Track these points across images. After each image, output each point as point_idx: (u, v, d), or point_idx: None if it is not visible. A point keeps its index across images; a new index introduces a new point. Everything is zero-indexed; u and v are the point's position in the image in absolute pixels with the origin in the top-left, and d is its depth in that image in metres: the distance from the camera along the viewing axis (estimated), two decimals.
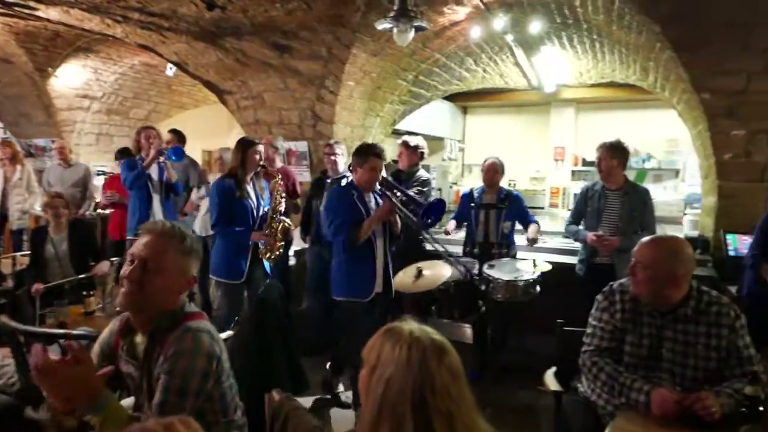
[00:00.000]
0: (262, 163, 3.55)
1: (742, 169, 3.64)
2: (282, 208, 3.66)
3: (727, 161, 3.67)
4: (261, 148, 3.56)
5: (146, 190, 4.19)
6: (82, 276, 3.58)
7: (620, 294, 1.95)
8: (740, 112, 3.55)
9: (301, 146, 5.06)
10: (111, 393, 1.38)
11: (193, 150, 6.11)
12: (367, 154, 3.00)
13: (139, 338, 1.55)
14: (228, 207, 3.41)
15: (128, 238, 4.21)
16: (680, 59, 3.55)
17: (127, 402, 1.64)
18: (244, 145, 3.47)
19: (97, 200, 5.90)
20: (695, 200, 6.40)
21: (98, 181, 6.25)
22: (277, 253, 3.60)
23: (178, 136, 4.90)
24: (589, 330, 1.99)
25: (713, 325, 1.81)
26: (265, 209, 3.58)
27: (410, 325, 1.07)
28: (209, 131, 7.77)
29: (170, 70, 5.68)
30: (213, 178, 4.80)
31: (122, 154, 5.08)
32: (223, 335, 2.75)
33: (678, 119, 4.63)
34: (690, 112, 4.10)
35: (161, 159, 4.20)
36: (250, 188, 3.54)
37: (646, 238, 1.93)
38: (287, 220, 3.66)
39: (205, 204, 4.68)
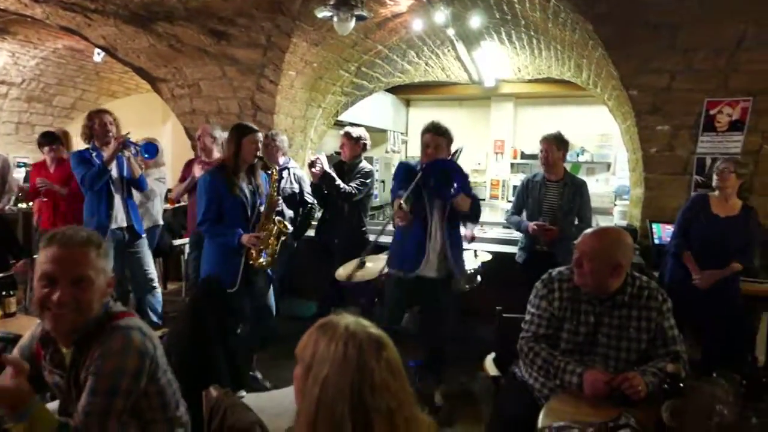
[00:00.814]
0: (259, 153, 3.10)
1: (667, 162, 3.86)
2: (280, 206, 3.26)
3: (653, 155, 3.88)
4: (260, 136, 3.13)
5: (106, 187, 3.62)
6: (0, 275, 3.33)
7: (559, 282, 2.00)
8: (665, 108, 3.76)
9: None
10: (38, 399, 1.30)
11: None
12: (422, 131, 2.98)
13: (63, 347, 1.46)
14: (217, 204, 2.99)
15: None
16: (611, 57, 3.71)
17: (52, 405, 1.54)
18: (239, 132, 3.01)
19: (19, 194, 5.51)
20: (625, 192, 6.76)
21: (18, 174, 5.83)
22: (269, 259, 3.12)
23: None
24: (527, 317, 2.05)
25: (644, 309, 1.91)
26: (261, 207, 3.14)
27: (346, 319, 1.02)
28: (142, 121, 7.38)
29: (98, 55, 5.36)
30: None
31: (47, 139, 4.72)
32: (158, 333, 2.65)
33: (609, 115, 4.85)
34: (619, 108, 4.30)
35: (127, 154, 3.67)
36: (244, 183, 3.10)
37: (589, 230, 1.98)
38: (285, 221, 3.23)
39: None
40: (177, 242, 5.05)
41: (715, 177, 3.21)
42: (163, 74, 4.86)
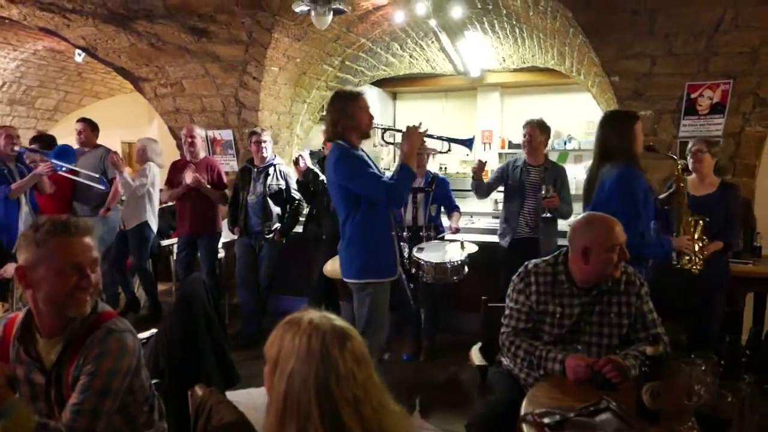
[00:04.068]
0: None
1: None
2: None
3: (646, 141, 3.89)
4: None
5: None
6: None
7: (535, 275, 1.99)
8: (647, 93, 3.78)
9: (226, 135, 4.90)
10: (17, 398, 1.30)
11: (112, 142, 5.77)
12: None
13: (42, 343, 1.46)
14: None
15: None
16: (591, 44, 3.71)
17: None
18: (630, 119, 2.52)
19: None
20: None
21: None
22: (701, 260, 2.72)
23: (90, 126, 4.58)
24: (506, 311, 2.04)
25: (623, 294, 1.93)
26: None
27: (310, 314, 1.03)
28: (128, 121, 7.35)
29: (79, 56, 5.29)
30: (130, 170, 4.57)
31: (40, 142, 4.66)
32: (146, 334, 2.65)
33: (595, 102, 4.87)
34: (602, 95, 4.31)
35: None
36: None
37: (602, 219, 1.92)
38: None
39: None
40: (165, 243, 5.02)
41: (690, 159, 3.18)
42: (145, 73, 4.82)
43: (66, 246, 1.40)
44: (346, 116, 2.54)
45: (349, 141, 2.56)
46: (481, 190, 3.76)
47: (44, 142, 4.64)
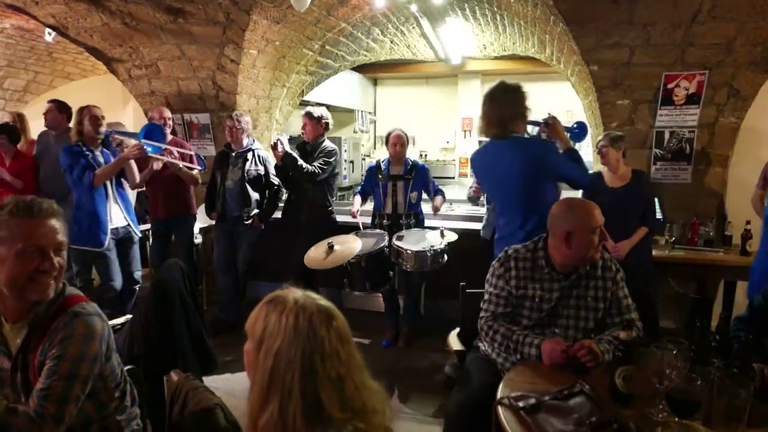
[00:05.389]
0: None
1: (628, 137, 3.89)
2: None
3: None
4: None
5: None
6: None
7: (515, 260, 2.01)
8: (625, 83, 3.82)
9: (203, 118, 4.80)
10: None
11: None
12: None
13: (8, 328, 1.43)
14: None
15: None
16: (572, 32, 3.72)
17: None
18: None
19: None
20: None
21: None
22: None
23: (58, 107, 4.42)
24: (485, 296, 2.06)
25: (600, 279, 1.96)
26: None
27: (294, 293, 1.05)
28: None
29: (49, 35, 5.11)
30: None
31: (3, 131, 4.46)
32: (121, 319, 2.61)
33: (573, 90, 4.89)
34: (581, 84, 4.34)
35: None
36: None
37: (583, 203, 1.98)
38: None
39: None
40: (141, 228, 4.93)
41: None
42: (119, 54, 4.69)
43: (28, 227, 1.35)
44: (520, 106, 2.60)
45: (519, 132, 2.62)
46: (475, 199, 3.83)
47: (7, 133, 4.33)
